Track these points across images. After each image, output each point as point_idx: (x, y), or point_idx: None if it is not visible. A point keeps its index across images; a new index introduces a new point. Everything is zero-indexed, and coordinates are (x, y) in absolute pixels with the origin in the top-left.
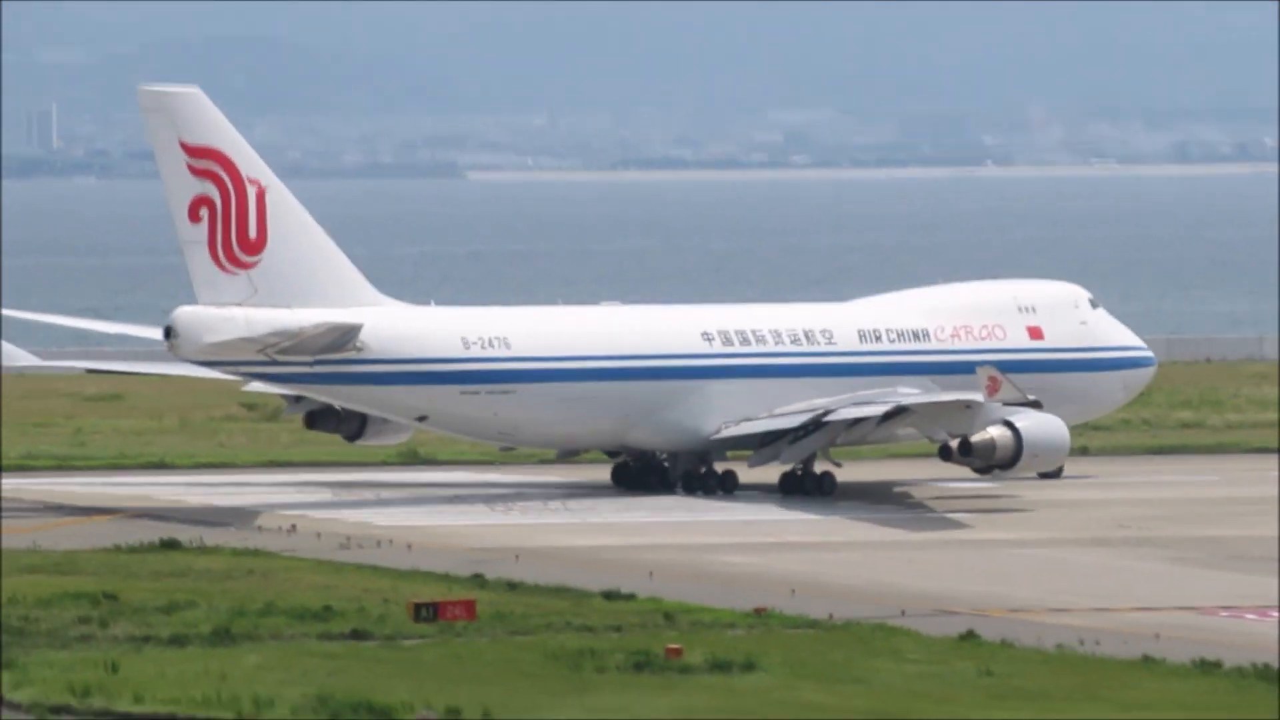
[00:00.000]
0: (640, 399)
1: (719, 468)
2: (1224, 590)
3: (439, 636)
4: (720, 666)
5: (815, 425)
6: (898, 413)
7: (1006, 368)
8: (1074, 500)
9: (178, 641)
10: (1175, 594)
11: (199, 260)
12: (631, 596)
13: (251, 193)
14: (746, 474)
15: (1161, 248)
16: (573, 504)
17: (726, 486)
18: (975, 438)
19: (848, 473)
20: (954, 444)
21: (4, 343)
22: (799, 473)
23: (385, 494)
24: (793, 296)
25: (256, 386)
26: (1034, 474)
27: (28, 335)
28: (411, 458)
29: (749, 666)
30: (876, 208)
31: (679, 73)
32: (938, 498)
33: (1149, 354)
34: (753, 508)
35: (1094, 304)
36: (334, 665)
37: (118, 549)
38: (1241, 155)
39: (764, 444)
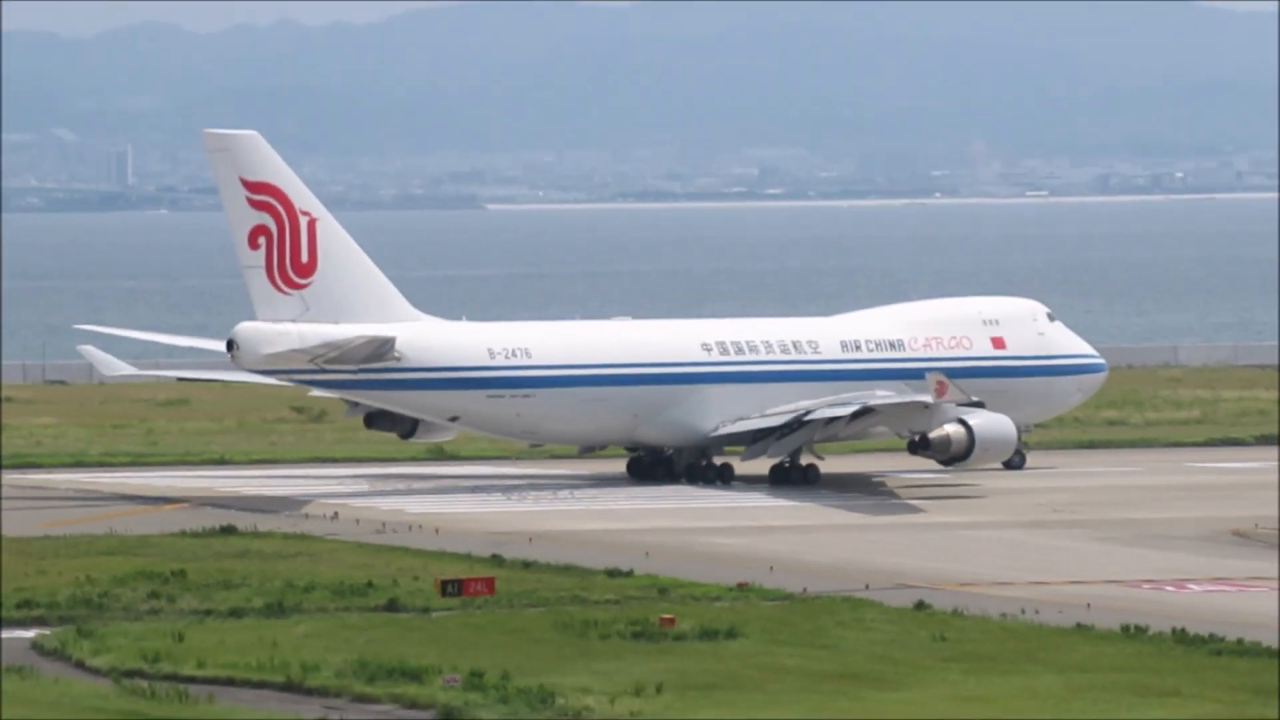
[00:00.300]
0: (646, 401)
1: (717, 461)
2: (1145, 565)
3: (463, 609)
4: (708, 634)
5: (797, 424)
6: (865, 413)
7: (972, 373)
8: (1014, 488)
9: (235, 614)
10: (1103, 569)
11: (257, 282)
12: (630, 573)
13: (304, 223)
14: (742, 467)
15: (1089, 269)
16: (580, 493)
17: (724, 477)
18: (933, 434)
19: (832, 464)
20: (915, 439)
21: (105, 354)
22: (786, 465)
23: (416, 485)
24: (769, 312)
25: (317, 392)
26: (992, 465)
27: (108, 348)
28: (439, 454)
29: (732, 634)
30: (839, 232)
31: (669, 116)
32: (904, 486)
33: (1101, 361)
34: (739, 495)
35: (1051, 317)
36: (371, 634)
37: (184, 533)
38: (1155, 187)
39: (755, 440)
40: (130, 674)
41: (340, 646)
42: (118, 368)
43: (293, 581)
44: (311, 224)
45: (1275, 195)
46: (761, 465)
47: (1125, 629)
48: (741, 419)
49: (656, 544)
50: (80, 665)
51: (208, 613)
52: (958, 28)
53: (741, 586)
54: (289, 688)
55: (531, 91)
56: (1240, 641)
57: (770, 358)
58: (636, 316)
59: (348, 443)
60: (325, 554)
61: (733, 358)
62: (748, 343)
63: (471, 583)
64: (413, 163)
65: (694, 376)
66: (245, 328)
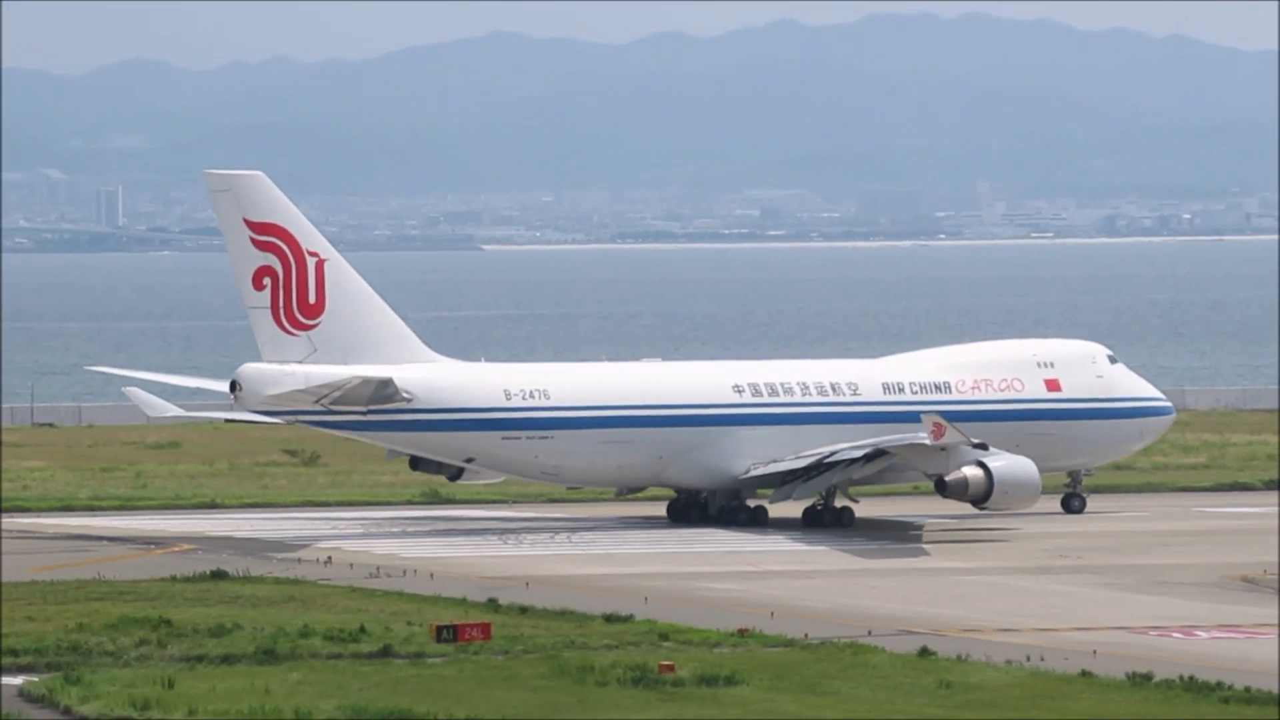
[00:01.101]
0: (672, 443)
1: (751, 504)
2: (1152, 612)
3: (458, 655)
4: (708, 680)
5: (820, 466)
6: (880, 455)
7: (1023, 416)
8: (1020, 533)
9: (226, 660)
10: (1109, 615)
11: (263, 323)
12: (629, 618)
13: (311, 264)
14: (775, 509)
15: (1082, 312)
16: (577, 537)
17: (757, 520)
18: (949, 477)
19: (871, 508)
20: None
21: (151, 396)
22: (819, 508)
23: (410, 529)
24: (771, 354)
25: (348, 434)
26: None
27: (108, 389)
28: (434, 497)
29: (732, 681)
30: (845, 273)
31: (668, 156)
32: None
33: (1166, 404)
34: (740, 539)
35: (1112, 360)
36: (365, 681)
37: (174, 579)
38: (1162, 228)
39: (783, 483)
40: None
41: (333, 693)
42: (164, 409)
43: (285, 627)
44: (320, 265)
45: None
46: (795, 508)
47: (1132, 676)
48: (774, 461)
49: (655, 589)
50: (68, 713)
51: (198, 659)
52: (961, 68)
53: (742, 632)
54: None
55: (529, 130)
56: (1248, 689)
57: (806, 399)
58: (666, 357)
59: (340, 486)
60: (318, 599)
61: (766, 399)
62: (782, 384)
63: (467, 628)
64: (408, 202)
65: (723, 419)
66: (248, 369)
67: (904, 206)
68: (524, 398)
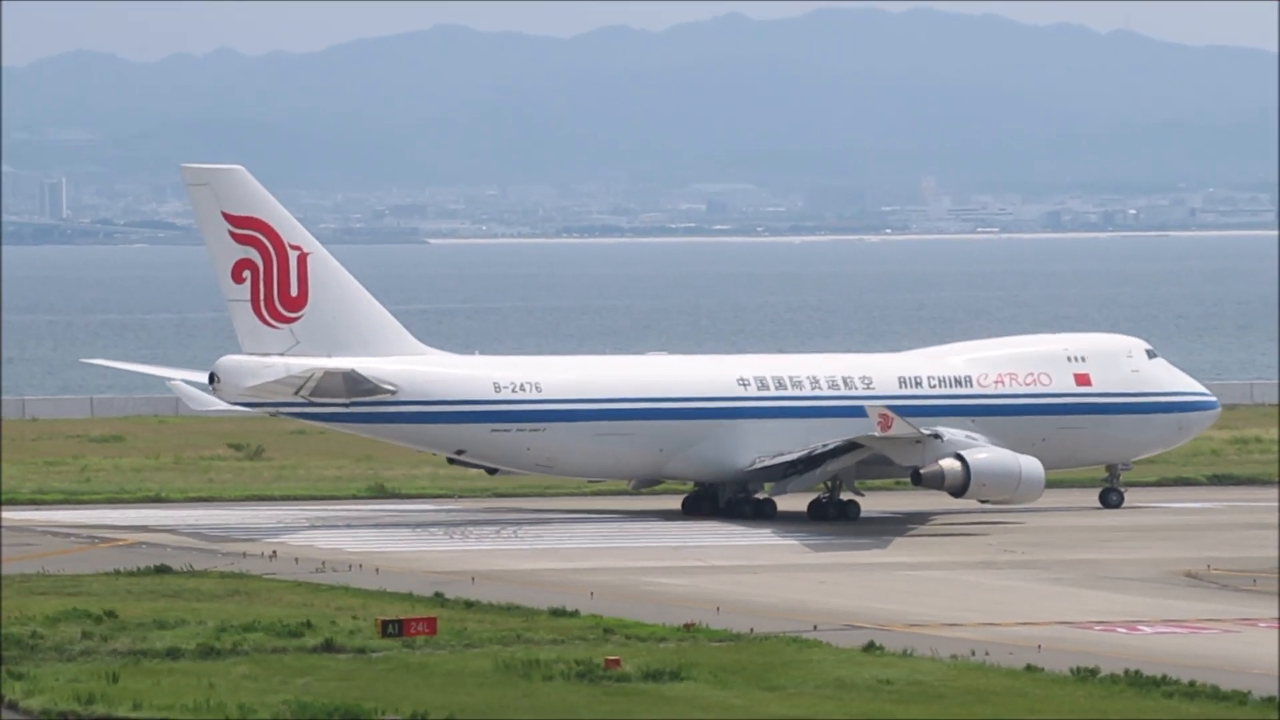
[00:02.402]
0: (671, 436)
1: (760, 496)
2: (1096, 607)
3: (404, 650)
4: (653, 676)
5: (810, 460)
6: (853, 447)
7: (1048, 410)
8: (966, 528)
9: (171, 655)
10: (1054, 610)
11: (243, 315)
12: (575, 614)
13: (293, 257)
14: (783, 503)
15: (1024, 306)
16: (523, 531)
17: (763, 513)
18: (924, 469)
19: (884, 502)
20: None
21: (194, 389)
22: (824, 500)
23: (355, 523)
24: (727, 349)
25: (353, 428)
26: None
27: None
28: (379, 491)
29: (678, 675)
30: (790, 268)
31: (615, 151)
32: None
33: (1209, 399)
34: (688, 534)
35: (1151, 354)
36: (310, 675)
37: (118, 573)
38: (1108, 223)
39: (784, 476)
40: (64, 716)
41: (278, 688)
42: (208, 403)
43: (229, 621)
44: (302, 258)
45: (1229, 233)
46: (797, 502)
47: (1076, 671)
48: (778, 455)
49: (601, 584)
50: (13, 707)
51: (142, 653)
52: (907, 64)
53: (688, 627)
54: (13, 707)
55: (475, 124)
56: (1193, 684)
57: (815, 393)
58: (672, 351)
59: (286, 480)
60: (263, 593)
61: (773, 392)
62: (791, 378)
63: (413, 623)
64: (353, 196)
65: (726, 412)
66: (227, 360)
67: (850, 202)
68: (514, 390)
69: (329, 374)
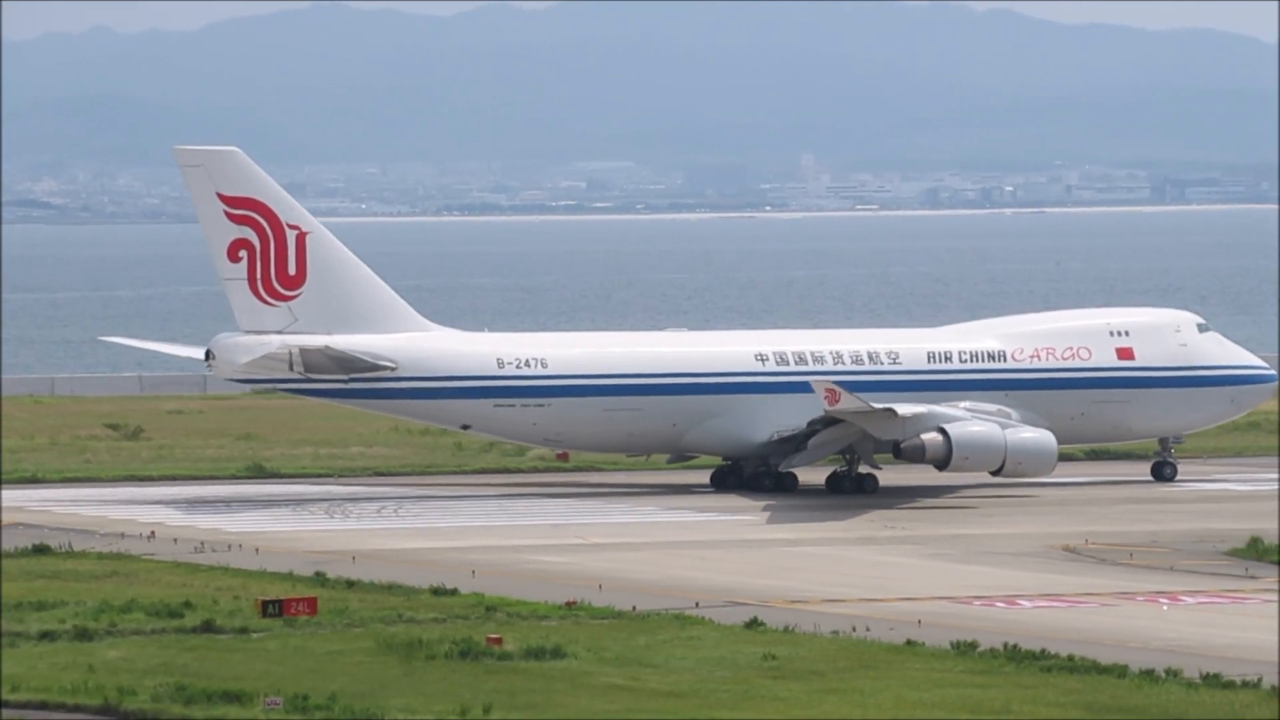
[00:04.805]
0: (684, 411)
1: (782, 469)
2: (976, 582)
3: (284, 630)
4: (534, 653)
5: (808, 433)
6: (836, 422)
7: (1086, 385)
8: (846, 505)
9: (48, 636)
10: (934, 585)
11: (239, 294)
12: (455, 592)
13: (291, 236)
14: (805, 477)
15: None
16: (404, 510)
17: (784, 486)
18: (905, 443)
19: (905, 476)
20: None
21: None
22: (841, 473)
23: (235, 503)
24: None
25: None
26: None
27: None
28: (258, 471)
29: (559, 653)
30: (669, 246)
31: (495, 129)
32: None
33: (1267, 372)
34: (569, 512)
35: (1202, 328)
36: (189, 656)
37: None
38: (985, 201)
39: (786, 451)
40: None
41: (158, 669)
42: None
43: (108, 602)
44: (300, 237)
45: (1105, 209)
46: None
47: (956, 645)
48: (795, 430)
49: (483, 562)
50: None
51: (18, 635)
52: (786, 43)
53: (570, 605)
54: (105, 711)
55: (354, 102)
56: (1071, 658)
57: (839, 368)
58: (693, 328)
59: (164, 460)
60: (142, 574)
61: (792, 368)
62: (813, 353)
63: (293, 603)
64: None
65: (741, 387)
66: (222, 338)
67: (730, 179)
68: (518, 366)
69: (307, 350)
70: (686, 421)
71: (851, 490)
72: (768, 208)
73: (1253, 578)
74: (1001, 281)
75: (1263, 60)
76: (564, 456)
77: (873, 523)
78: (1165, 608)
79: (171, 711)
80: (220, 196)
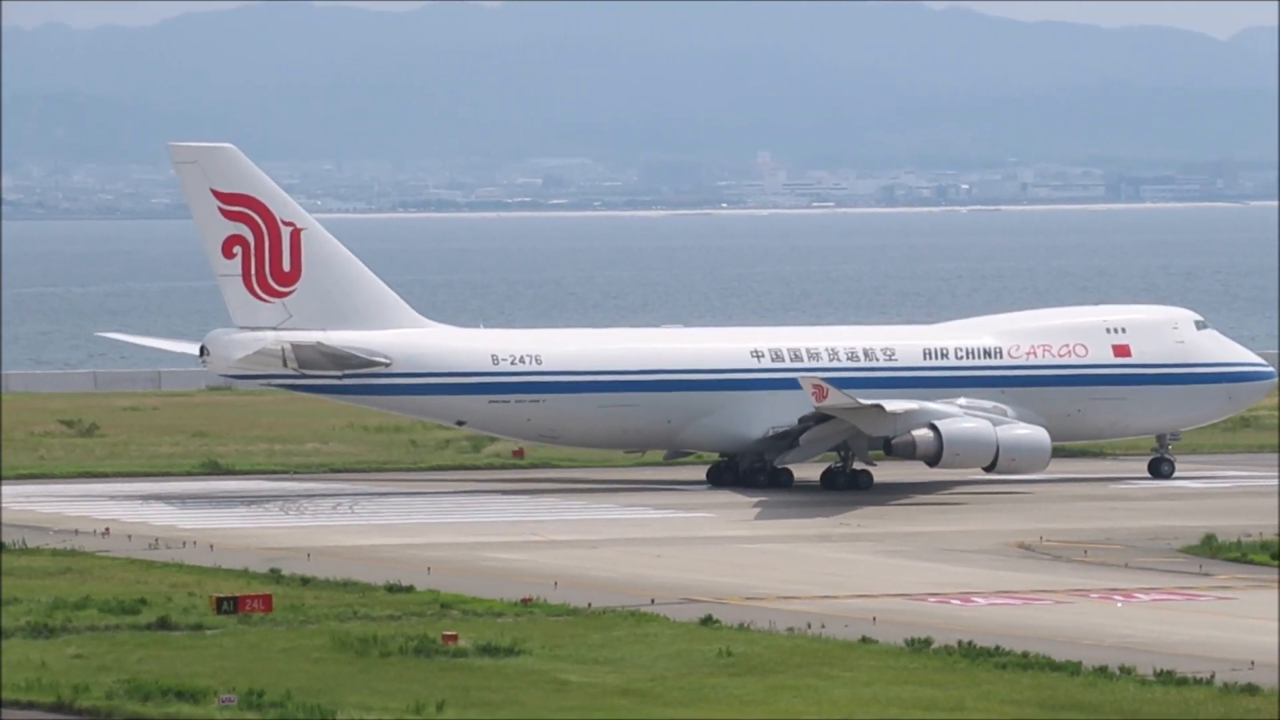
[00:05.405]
0: (679, 408)
1: (778, 465)
2: (931, 579)
3: (239, 627)
4: (490, 651)
5: (798, 430)
6: (825, 418)
7: (1081, 382)
8: (804, 502)
9: (2, 634)
10: (889, 582)
11: (234, 290)
12: (411, 589)
13: (286, 233)
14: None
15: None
16: (359, 507)
17: (779, 482)
18: (895, 439)
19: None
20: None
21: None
22: (836, 470)
23: (190, 500)
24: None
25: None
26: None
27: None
28: (213, 468)
29: (514, 650)
30: (625, 243)
31: (451, 125)
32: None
33: (1265, 369)
34: (526, 510)
35: (1200, 325)
36: (144, 653)
37: None
38: (941, 198)
39: (779, 448)
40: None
41: (112, 666)
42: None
43: (62, 599)
44: (295, 234)
45: (1061, 207)
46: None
47: (911, 642)
48: (789, 426)
49: (438, 559)
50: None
51: None
52: (742, 40)
53: (525, 602)
54: (59, 709)
55: (310, 99)
56: (1025, 655)
57: (834, 365)
58: (689, 324)
59: (119, 457)
60: (96, 571)
61: (788, 364)
62: (809, 350)
63: (248, 599)
64: None
65: (736, 384)
66: (217, 334)
67: (686, 176)
68: (513, 362)
69: (300, 345)
70: (681, 418)
71: (846, 486)
72: (724, 205)
73: (1207, 575)
74: (956, 280)
75: (1218, 58)
76: (519, 454)
77: (828, 520)
78: (1120, 605)
79: (126, 709)
80: (215, 193)
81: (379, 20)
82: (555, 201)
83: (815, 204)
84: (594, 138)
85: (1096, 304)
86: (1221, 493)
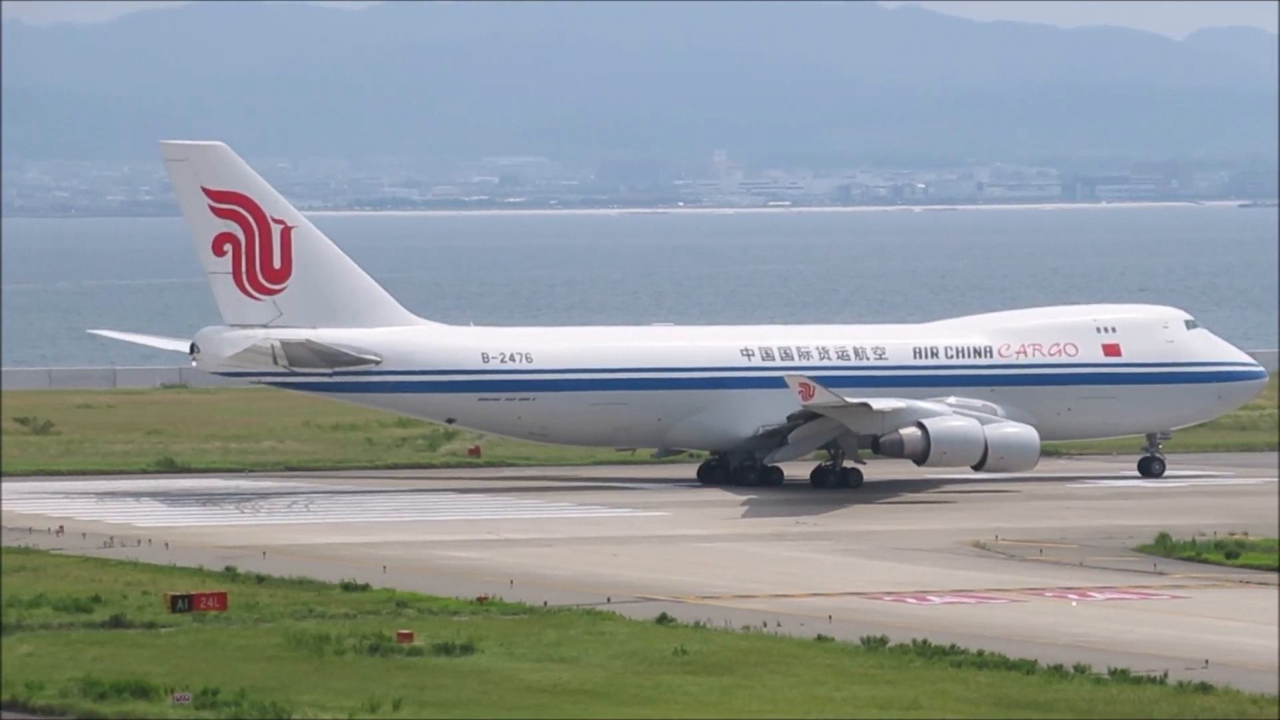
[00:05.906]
0: (669, 406)
1: (768, 464)
2: (887, 577)
3: (194, 625)
4: (445, 649)
5: (783, 429)
6: (813, 416)
7: (1071, 381)
8: (758, 500)
9: None
10: (844, 581)
11: (224, 287)
12: (366, 587)
13: (276, 230)
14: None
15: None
16: (314, 505)
17: (769, 480)
18: (885, 437)
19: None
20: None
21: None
22: (825, 468)
23: (145, 498)
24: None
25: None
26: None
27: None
28: (169, 466)
29: (470, 649)
30: (580, 242)
31: (407, 123)
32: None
33: (1255, 368)
34: (481, 508)
35: (1190, 325)
36: (98, 651)
37: None
38: (896, 197)
39: (768, 447)
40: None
41: (65, 664)
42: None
43: (16, 597)
44: (286, 232)
45: (1015, 206)
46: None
47: (866, 641)
48: (779, 425)
49: (394, 557)
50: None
51: None
52: (698, 39)
53: (481, 600)
54: (12, 707)
55: (265, 95)
56: (981, 653)
57: (824, 363)
58: (679, 322)
59: (73, 455)
60: (50, 569)
61: (778, 363)
62: (799, 349)
63: (203, 598)
64: (141, 168)
65: (725, 382)
66: (207, 331)
67: (643, 174)
68: (503, 360)
69: (289, 343)
70: (671, 416)
71: (836, 485)
72: (681, 204)
73: (1161, 574)
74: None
75: (1173, 58)
76: (475, 452)
77: (783, 519)
78: (1074, 603)
79: (80, 707)
80: (205, 191)
81: (334, 17)
82: (512, 200)
83: (772, 203)
84: (551, 136)
85: (1065, 305)
86: (1175, 491)
